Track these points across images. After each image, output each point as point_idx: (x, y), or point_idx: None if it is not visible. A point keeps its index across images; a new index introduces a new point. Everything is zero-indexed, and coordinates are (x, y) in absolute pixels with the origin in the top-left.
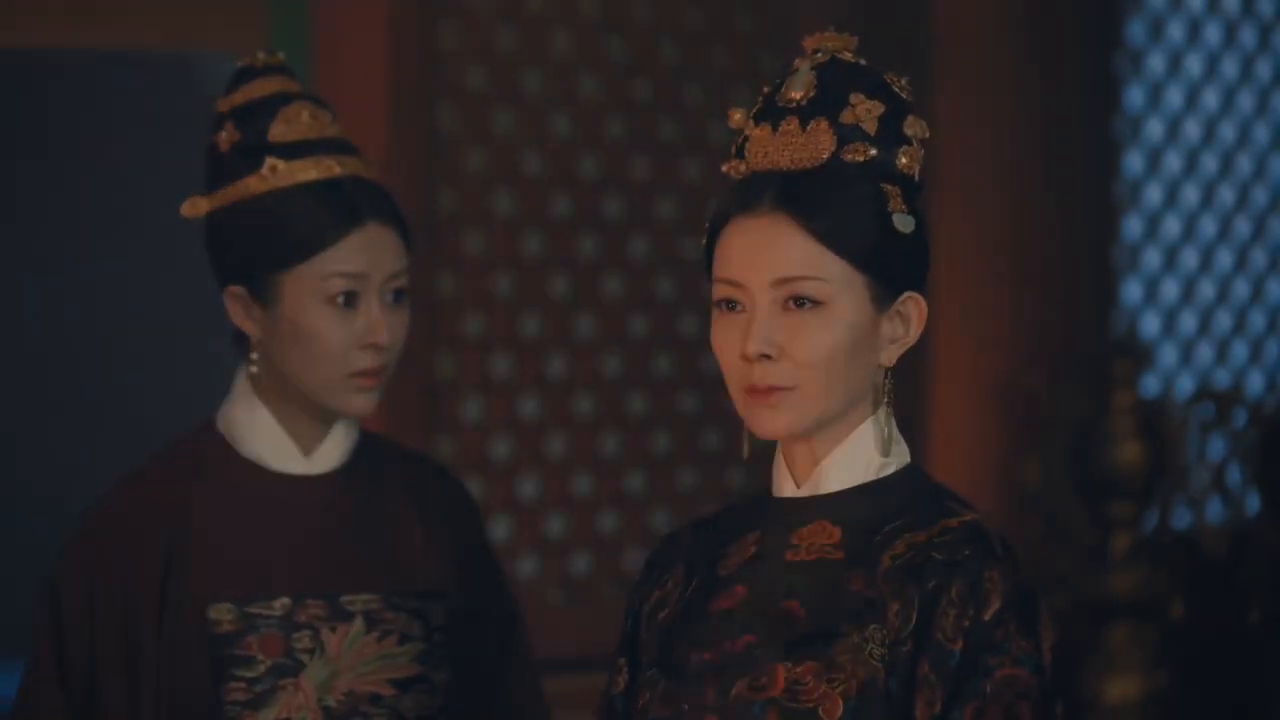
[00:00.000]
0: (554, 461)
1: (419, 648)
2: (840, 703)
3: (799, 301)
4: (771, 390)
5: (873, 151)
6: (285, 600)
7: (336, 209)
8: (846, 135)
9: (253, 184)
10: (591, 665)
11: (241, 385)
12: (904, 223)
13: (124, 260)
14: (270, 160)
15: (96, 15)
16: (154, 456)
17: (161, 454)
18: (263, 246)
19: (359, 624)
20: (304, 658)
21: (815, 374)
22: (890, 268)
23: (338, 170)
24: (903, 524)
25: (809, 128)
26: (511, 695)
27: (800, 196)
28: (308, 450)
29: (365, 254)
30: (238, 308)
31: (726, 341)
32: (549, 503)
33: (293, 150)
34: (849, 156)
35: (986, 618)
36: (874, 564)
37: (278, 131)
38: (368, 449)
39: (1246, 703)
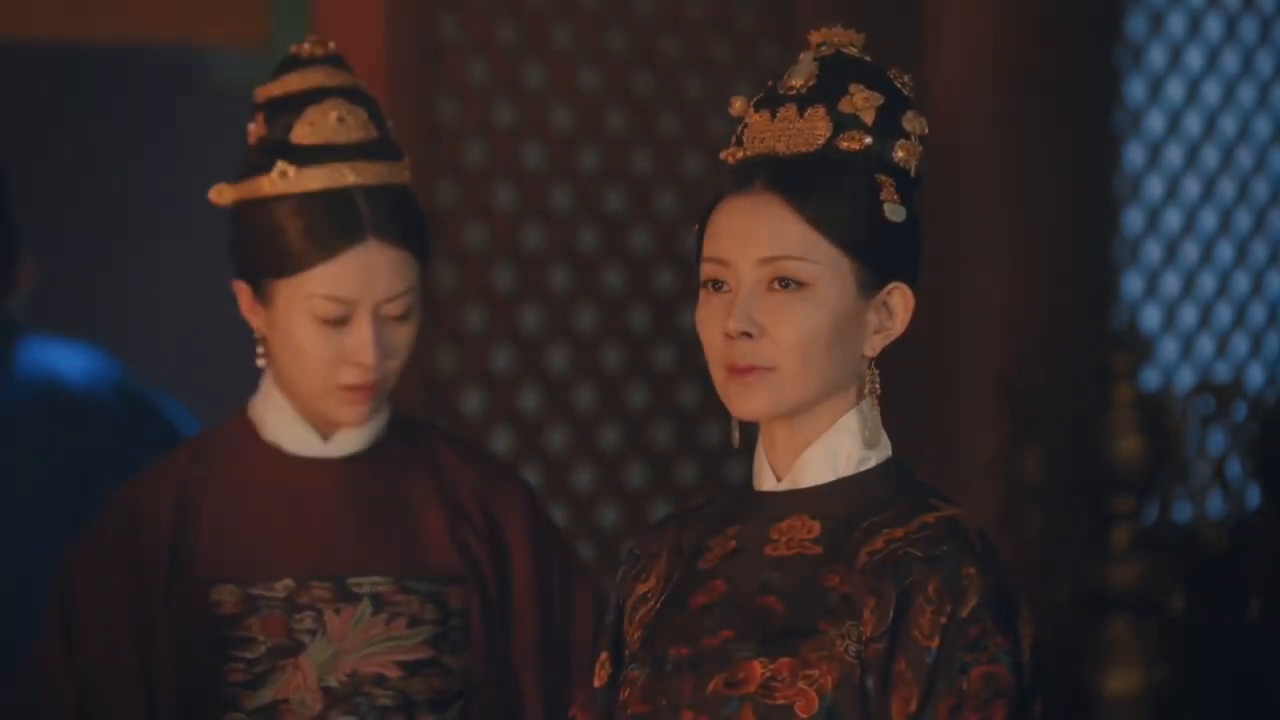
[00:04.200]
0: (554, 455)
1: (432, 631)
2: (816, 699)
3: (784, 282)
4: (750, 369)
5: (868, 140)
6: (288, 582)
7: (334, 224)
8: (843, 123)
9: (264, 185)
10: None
11: (267, 372)
12: (895, 212)
13: (122, 253)
14: (281, 164)
15: (96, 8)
16: (185, 443)
17: (192, 440)
18: (260, 252)
19: (366, 606)
20: (305, 638)
21: (795, 355)
22: (878, 255)
23: (350, 179)
24: (882, 519)
25: (806, 114)
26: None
27: (793, 179)
28: (327, 434)
29: (356, 277)
30: (243, 302)
31: (710, 320)
32: (550, 496)
33: (309, 155)
34: (845, 144)
35: (964, 615)
36: (851, 560)
37: (300, 132)
38: (402, 431)
39: (1247, 696)
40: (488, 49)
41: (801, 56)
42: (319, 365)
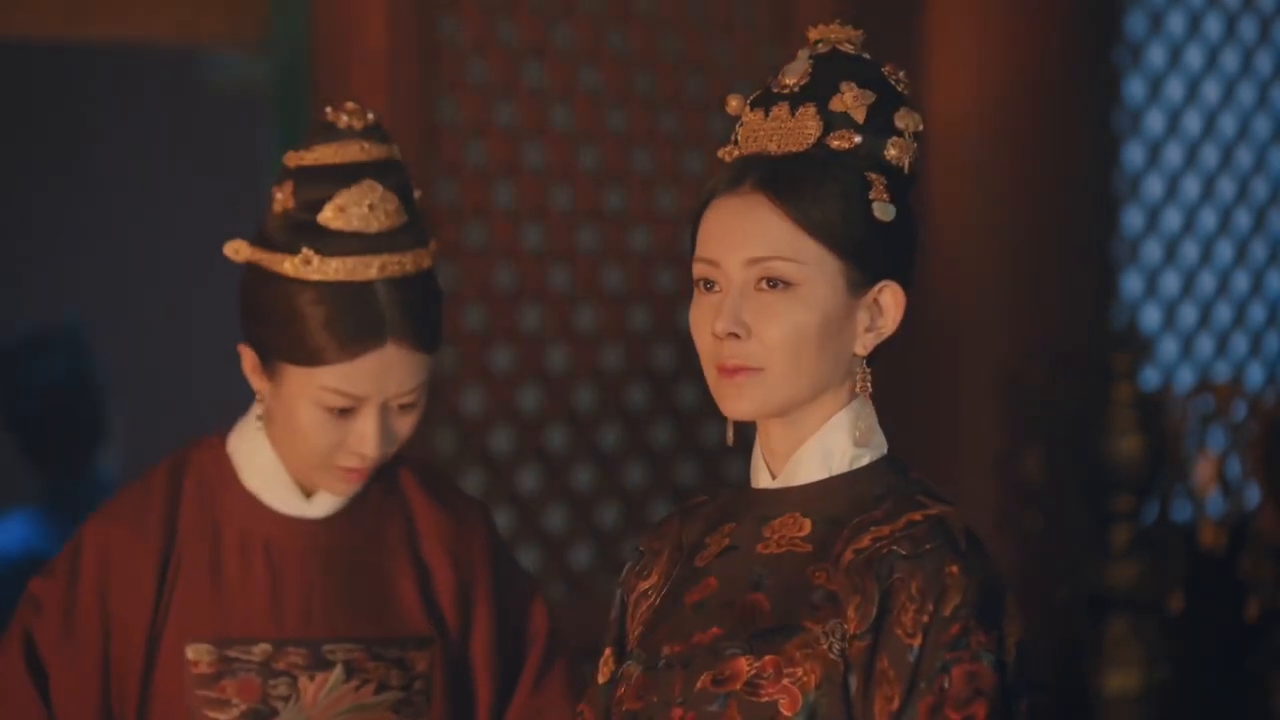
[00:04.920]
0: (554, 454)
1: (395, 697)
2: (800, 697)
3: (771, 282)
4: (739, 370)
5: (858, 139)
6: (265, 646)
7: (355, 325)
8: (834, 122)
9: (285, 266)
10: (593, 658)
11: (253, 417)
12: (884, 211)
13: (121, 252)
14: (305, 251)
15: (95, 8)
16: (159, 471)
17: (168, 469)
18: (275, 334)
19: (338, 673)
20: (279, 704)
21: (782, 356)
22: (867, 255)
23: (374, 274)
24: (871, 517)
25: (798, 113)
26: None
27: (781, 179)
28: (310, 491)
29: (371, 379)
30: (247, 364)
31: (701, 320)
32: (549, 496)
33: (334, 243)
34: (835, 143)
35: (946, 613)
36: (839, 558)
37: (327, 215)
38: (381, 480)
39: (1246, 695)
40: (488, 48)
41: (799, 54)
42: (319, 449)
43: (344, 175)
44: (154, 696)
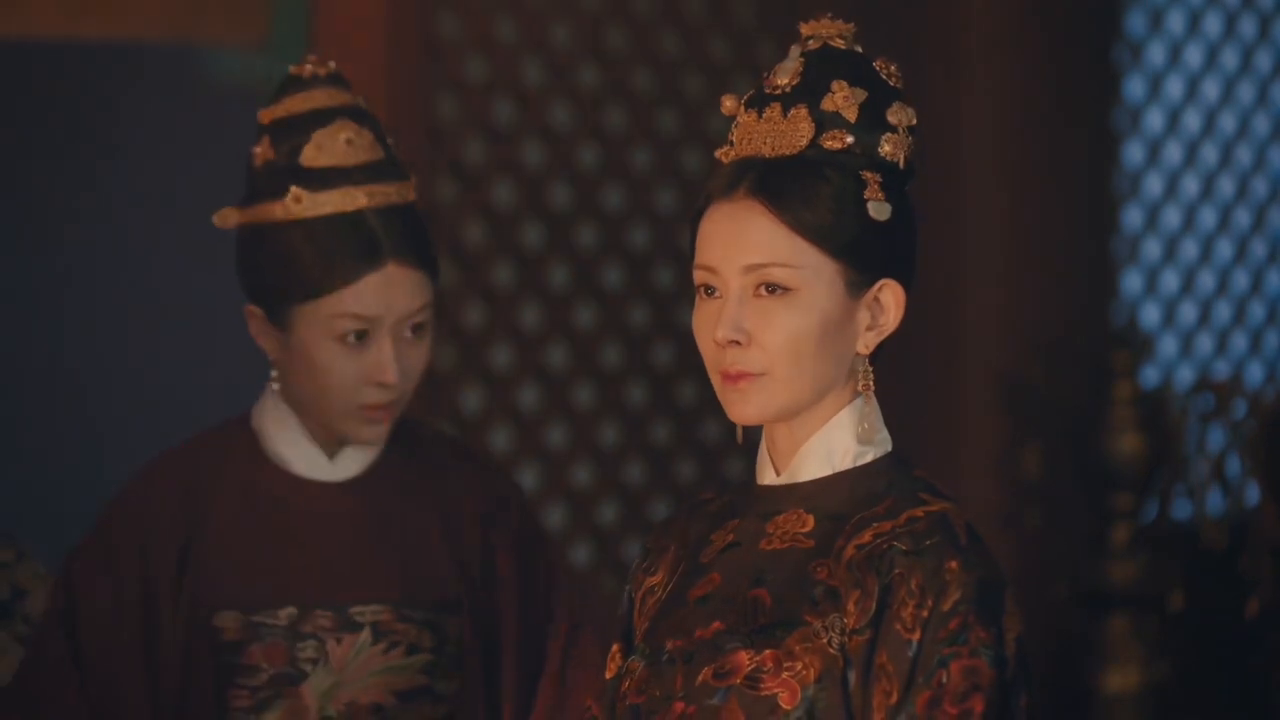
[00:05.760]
0: (554, 452)
1: (427, 659)
2: (799, 690)
3: (770, 288)
4: (741, 376)
5: (849, 139)
6: (291, 610)
7: (353, 249)
8: (825, 122)
9: (276, 211)
10: None
11: (271, 387)
12: (879, 210)
13: (120, 252)
14: (294, 189)
15: (94, 7)
16: (181, 448)
17: (188, 446)
18: (278, 277)
19: (366, 635)
20: (307, 667)
21: (784, 360)
22: (864, 255)
23: (363, 202)
24: (873, 513)
25: (790, 114)
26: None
27: (775, 183)
28: (333, 455)
29: (378, 297)
30: (255, 326)
31: (703, 326)
32: (549, 494)
33: (319, 179)
34: (828, 144)
35: (945, 608)
36: (840, 553)
37: (309, 155)
38: (400, 439)
39: (1246, 694)
40: (487, 47)
41: (790, 50)
42: (340, 386)
43: (316, 119)
44: (184, 665)
